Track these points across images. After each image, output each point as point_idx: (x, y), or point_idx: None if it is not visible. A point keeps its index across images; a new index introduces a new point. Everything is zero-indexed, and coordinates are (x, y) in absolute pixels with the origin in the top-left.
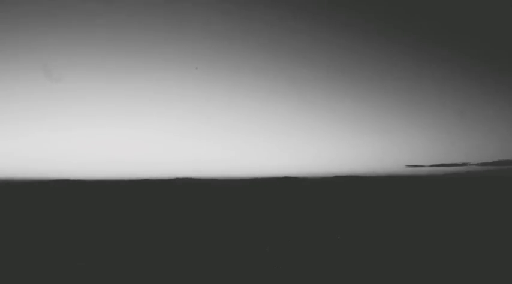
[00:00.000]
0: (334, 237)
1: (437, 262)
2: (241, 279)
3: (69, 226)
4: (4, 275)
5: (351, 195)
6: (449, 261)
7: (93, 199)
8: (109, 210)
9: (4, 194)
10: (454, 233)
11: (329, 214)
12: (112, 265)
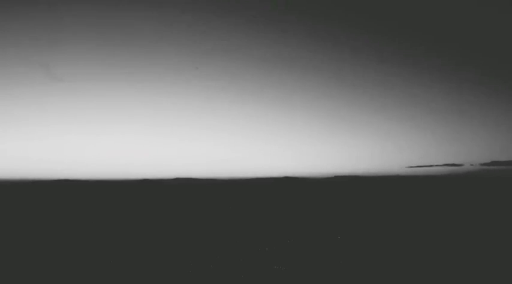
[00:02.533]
0: (334, 237)
1: (437, 262)
2: (241, 279)
3: (68, 227)
4: (4, 276)
5: (351, 195)
6: (449, 261)
7: (93, 199)
8: (108, 210)
9: (6, 194)
10: (454, 234)
11: (329, 214)
12: (111, 266)
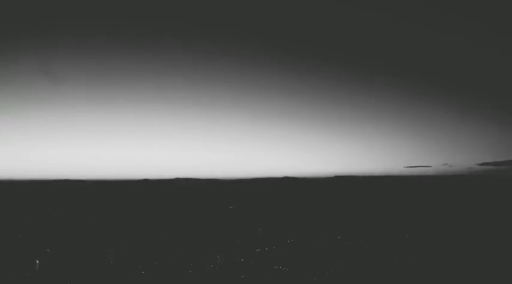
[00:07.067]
0: (334, 237)
1: (436, 260)
2: (241, 279)
3: (73, 225)
4: (6, 274)
5: (350, 195)
6: (447, 259)
7: (95, 199)
8: (111, 210)
9: (10, 194)
10: (451, 231)
11: (329, 214)
12: (112, 265)
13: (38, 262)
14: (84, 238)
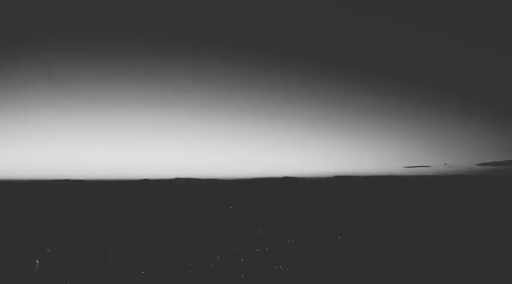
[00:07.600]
0: (334, 237)
1: (435, 260)
2: (241, 279)
3: (73, 225)
4: (8, 273)
5: (350, 195)
6: (446, 259)
7: (95, 199)
8: (110, 209)
9: (13, 193)
10: (451, 232)
11: (329, 214)
12: (112, 265)
13: (38, 262)
14: (84, 238)
